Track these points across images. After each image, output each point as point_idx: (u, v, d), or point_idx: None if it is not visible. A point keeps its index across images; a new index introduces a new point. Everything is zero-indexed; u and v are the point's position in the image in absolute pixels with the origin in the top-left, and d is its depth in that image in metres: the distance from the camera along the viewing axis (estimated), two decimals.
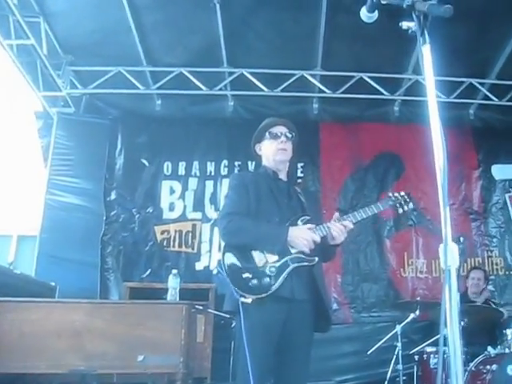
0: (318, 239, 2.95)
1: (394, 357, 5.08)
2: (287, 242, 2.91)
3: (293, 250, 2.95)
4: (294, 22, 6.07)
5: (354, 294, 6.60)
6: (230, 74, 6.74)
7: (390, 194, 3.34)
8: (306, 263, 2.97)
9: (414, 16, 1.87)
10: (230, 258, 2.95)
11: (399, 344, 5.10)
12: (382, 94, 6.75)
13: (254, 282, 2.87)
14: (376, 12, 2.08)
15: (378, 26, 5.79)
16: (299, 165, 6.93)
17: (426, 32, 1.89)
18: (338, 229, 3.00)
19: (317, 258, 3.00)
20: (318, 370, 5.74)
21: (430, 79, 1.93)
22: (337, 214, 3.10)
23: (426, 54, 1.90)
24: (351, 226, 3.03)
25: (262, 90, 6.76)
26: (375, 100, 6.82)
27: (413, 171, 6.91)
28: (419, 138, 6.99)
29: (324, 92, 6.82)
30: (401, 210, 3.29)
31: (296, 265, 2.93)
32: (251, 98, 6.99)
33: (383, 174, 6.94)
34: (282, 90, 6.77)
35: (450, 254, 1.75)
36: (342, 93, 6.75)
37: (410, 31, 1.89)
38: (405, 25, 1.88)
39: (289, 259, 2.94)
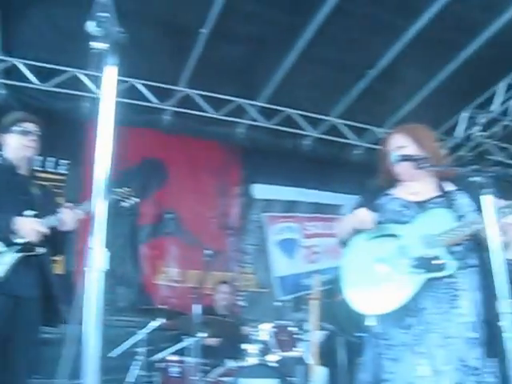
0: (44, 230, 3.02)
1: (138, 363, 5.04)
2: (13, 230, 2.97)
3: (20, 240, 2.98)
4: (71, 18, 5.97)
5: (107, 296, 6.53)
6: (2, 61, 6.37)
7: (114, 189, 3.41)
8: (33, 253, 3.03)
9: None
10: None
11: (142, 350, 5.07)
12: (152, 101, 6.78)
13: None
14: None
15: (153, 35, 5.94)
16: (64, 162, 6.76)
17: (113, 55, 1.91)
18: (69, 216, 3.11)
19: (44, 249, 3.08)
20: (57, 369, 5.59)
21: (107, 100, 1.95)
22: (69, 204, 3.21)
23: (109, 74, 1.93)
24: (81, 216, 3.15)
25: (34, 83, 6.49)
26: (145, 106, 6.82)
27: (176, 181, 7.02)
28: (186, 150, 7.30)
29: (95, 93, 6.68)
30: (125, 204, 3.42)
31: (22, 254, 2.98)
32: (24, 90, 6.61)
33: (146, 180, 6.89)
34: (55, 86, 6.55)
35: (99, 257, 1.80)
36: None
37: (95, 50, 1.89)
38: (93, 44, 1.88)
39: (15, 248, 2.98)
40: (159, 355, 5.24)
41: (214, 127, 7.26)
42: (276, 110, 7.34)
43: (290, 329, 5.19)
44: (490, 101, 7.62)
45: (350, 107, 7.41)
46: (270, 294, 7.21)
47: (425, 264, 2.53)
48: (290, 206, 7.77)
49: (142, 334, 5.14)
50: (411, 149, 2.80)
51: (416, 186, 2.82)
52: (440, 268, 2.52)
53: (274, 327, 5.11)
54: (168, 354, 5.15)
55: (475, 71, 6.89)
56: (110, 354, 5.35)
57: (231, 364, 4.85)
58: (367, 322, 2.75)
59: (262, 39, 6.30)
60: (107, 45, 1.89)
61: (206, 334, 5.00)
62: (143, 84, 6.72)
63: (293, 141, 7.83)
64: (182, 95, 6.89)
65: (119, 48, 1.93)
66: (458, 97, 7.59)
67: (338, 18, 5.91)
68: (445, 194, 2.73)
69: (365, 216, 2.68)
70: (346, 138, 7.78)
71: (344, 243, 2.85)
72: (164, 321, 5.25)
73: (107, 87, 1.94)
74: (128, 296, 6.61)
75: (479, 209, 2.44)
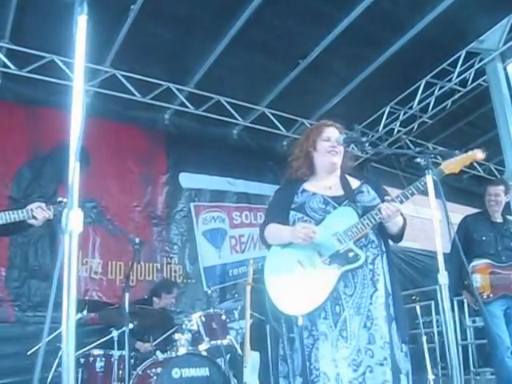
0: None
1: (60, 360, 4.34)
2: None
3: None
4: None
5: (20, 290, 5.71)
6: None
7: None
8: None
9: None
10: None
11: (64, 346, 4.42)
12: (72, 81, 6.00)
13: None
14: None
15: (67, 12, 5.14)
16: None
17: (84, 3, 1.71)
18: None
19: None
20: None
21: (80, 53, 1.71)
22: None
23: (81, 24, 1.71)
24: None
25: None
26: (65, 86, 5.93)
27: (98, 168, 6.29)
28: (109, 135, 6.56)
29: (8, 67, 5.86)
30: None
31: None
32: None
33: (64, 166, 6.08)
34: None
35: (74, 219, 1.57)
36: (30, 72, 5.85)
37: None
38: None
39: None
40: (83, 350, 4.68)
41: (139, 111, 6.66)
42: (205, 96, 6.88)
43: (219, 317, 5.01)
44: (411, 98, 7.58)
45: (279, 97, 7.08)
46: (198, 285, 6.75)
47: (340, 258, 2.65)
48: (218, 196, 7.32)
49: (61, 329, 4.48)
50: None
51: (330, 179, 2.88)
52: (354, 260, 2.65)
53: (203, 316, 4.92)
54: (93, 348, 4.65)
55: (399, 68, 6.81)
56: (29, 353, 4.64)
57: (160, 356, 4.53)
58: (299, 322, 2.68)
59: (193, 21, 5.82)
60: None
61: (133, 326, 4.51)
62: (63, 61, 5.96)
63: (221, 129, 7.43)
64: (107, 75, 6.15)
65: None
66: (381, 92, 7.54)
67: (273, 4, 5.57)
68: (350, 190, 2.83)
69: (306, 235, 2.64)
70: (274, 127, 7.33)
71: (269, 246, 2.86)
72: (86, 313, 4.77)
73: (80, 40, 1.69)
74: (45, 290, 5.81)
75: (379, 196, 2.76)
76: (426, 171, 2.51)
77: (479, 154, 2.65)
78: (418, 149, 2.66)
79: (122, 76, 6.27)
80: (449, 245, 4.80)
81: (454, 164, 2.65)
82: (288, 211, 2.82)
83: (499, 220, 4.94)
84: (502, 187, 4.94)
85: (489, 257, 4.78)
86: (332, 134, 2.89)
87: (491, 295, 4.70)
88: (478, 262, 4.79)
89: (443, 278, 2.42)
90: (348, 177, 2.92)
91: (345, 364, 2.55)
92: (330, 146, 2.84)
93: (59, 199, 3.34)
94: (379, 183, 2.91)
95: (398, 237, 2.81)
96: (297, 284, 2.67)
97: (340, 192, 2.83)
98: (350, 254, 2.65)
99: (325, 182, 2.87)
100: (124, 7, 5.33)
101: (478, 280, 4.77)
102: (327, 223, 2.73)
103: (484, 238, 4.86)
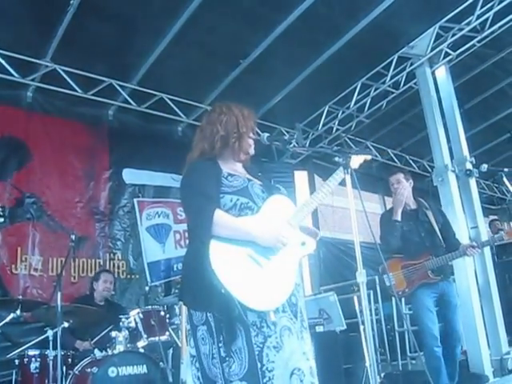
0: None
1: None
2: None
3: None
4: None
5: None
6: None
7: None
8: None
9: None
10: None
11: None
12: (13, 75, 5.58)
13: None
14: None
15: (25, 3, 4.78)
16: None
17: None
18: None
19: None
20: None
21: None
22: None
23: None
24: None
25: None
26: (5, 80, 5.60)
27: (39, 163, 5.93)
28: (52, 130, 6.17)
29: None
30: None
31: None
32: None
33: (3, 161, 5.70)
34: None
35: None
36: None
37: None
38: None
39: None
40: (17, 351, 4.33)
41: (83, 107, 6.27)
42: (148, 93, 6.54)
43: (158, 313, 4.72)
44: (348, 98, 7.54)
45: (222, 95, 6.79)
46: (142, 280, 6.41)
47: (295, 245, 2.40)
48: (162, 192, 6.95)
49: None
50: None
51: (239, 168, 2.63)
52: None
53: (141, 313, 4.62)
54: (28, 349, 4.29)
55: (336, 70, 6.77)
56: None
57: (98, 354, 4.23)
58: (271, 317, 2.25)
59: (134, 19, 5.51)
60: None
61: (69, 324, 4.26)
62: (2, 54, 5.52)
63: (165, 126, 7.09)
64: (47, 70, 5.77)
65: None
66: (320, 93, 7.42)
67: (213, 5, 5.34)
68: (265, 180, 2.65)
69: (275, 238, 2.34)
70: None
71: (210, 237, 2.29)
72: (23, 313, 4.35)
73: None
74: None
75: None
76: (344, 170, 2.46)
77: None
78: (335, 148, 2.72)
79: (63, 71, 5.84)
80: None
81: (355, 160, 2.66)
82: (218, 194, 2.43)
83: (413, 207, 4.72)
84: (400, 174, 4.72)
85: (414, 245, 4.56)
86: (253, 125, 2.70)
87: (407, 290, 4.55)
88: (389, 261, 4.61)
89: (361, 276, 2.32)
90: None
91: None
92: (253, 138, 2.64)
93: None
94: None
95: None
96: (257, 279, 2.28)
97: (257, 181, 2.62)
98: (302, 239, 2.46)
99: (238, 169, 2.61)
100: (64, 1, 4.97)
101: (391, 278, 4.60)
102: (268, 210, 2.44)
103: (405, 227, 4.62)
